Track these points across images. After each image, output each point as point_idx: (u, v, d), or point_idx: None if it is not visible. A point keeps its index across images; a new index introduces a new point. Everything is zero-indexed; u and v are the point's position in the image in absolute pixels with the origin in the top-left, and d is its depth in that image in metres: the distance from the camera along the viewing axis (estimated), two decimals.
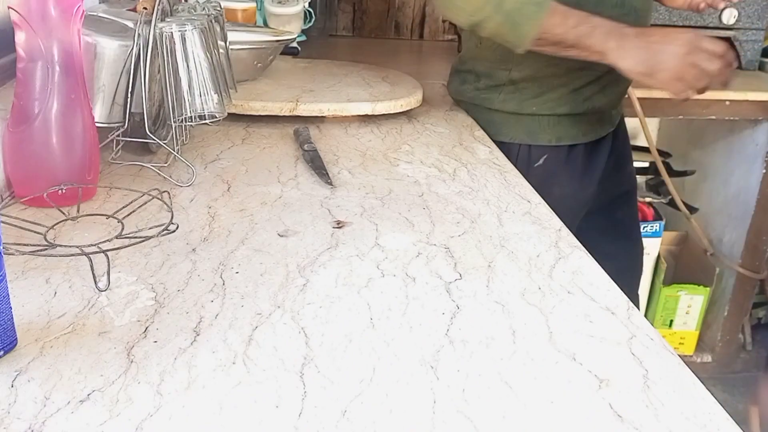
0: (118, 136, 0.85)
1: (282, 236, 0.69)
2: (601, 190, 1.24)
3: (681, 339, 1.96)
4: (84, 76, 0.72)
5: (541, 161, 1.15)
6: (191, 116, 0.81)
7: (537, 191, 1.13)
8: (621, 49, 0.96)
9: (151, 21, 0.79)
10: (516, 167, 1.09)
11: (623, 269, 1.28)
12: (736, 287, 1.85)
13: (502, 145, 1.13)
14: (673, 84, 0.97)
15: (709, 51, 0.95)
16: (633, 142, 1.39)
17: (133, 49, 0.79)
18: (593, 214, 1.26)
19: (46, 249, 0.63)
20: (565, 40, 0.97)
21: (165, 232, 0.67)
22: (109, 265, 0.59)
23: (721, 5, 1.15)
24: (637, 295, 1.45)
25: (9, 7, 0.67)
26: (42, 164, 0.71)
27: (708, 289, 1.90)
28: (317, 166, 0.88)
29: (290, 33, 1.33)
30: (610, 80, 1.11)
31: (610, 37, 0.96)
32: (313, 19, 1.90)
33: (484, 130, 1.16)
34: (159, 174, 0.82)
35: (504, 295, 0.60)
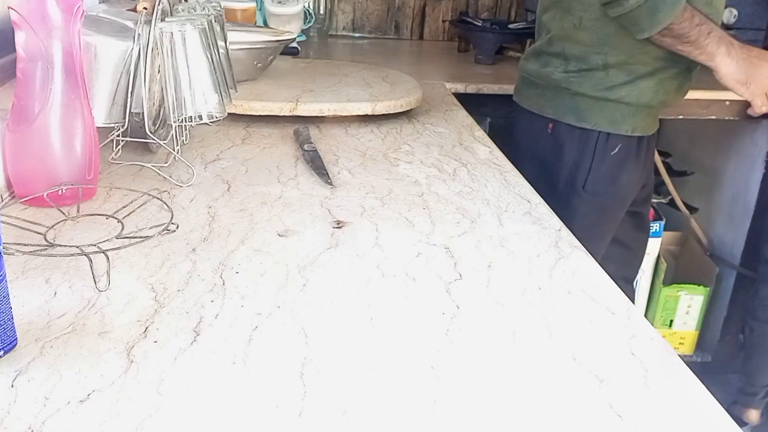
0: (118, 136, 0.85)
1: (282, 236, 0.69)
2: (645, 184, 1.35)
3: (681, 339, 1.96)
4: (84, 76, 0.72)
5: (616, 150, 1.21)
6: (191, 116, 0.81)
7: (606, 177, 1.23)
8: (728, 55, 1.10)
9: (151, 21, 0.79)
10: (594, 154, 1.21)
11: (631, 258, 1.48)
12: (736, 287, 1.85)
13: (582, 132, 1.21)
14: (759, 97, 1.15)
15: None
16: None
17: (133, 49, 0.79)
18: (632, 206, 1.36)
19: (46, 249, 0.63)
20: (688, 35, 1.09)
21: (165, 232, 0.67)
22: (109, 265, 0.59)
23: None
24: (633, 285, 1.58)
25: (9, 7, 0.67)
26: (42, 164, 0.71)
27: (708, 289, 1.90)
28: (317, 166, 0.89)
29: (290, 33, 1.33)
30: (686, 78, 1.19)
31: (722, 42, 1.10)
32: (313, 19, 1.90)
33: (559, 117, 1.23)
34: (159, 174, 0.82)
35: (504, 295, 0.60)
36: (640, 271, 1.82)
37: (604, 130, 1.20)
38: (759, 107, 1.17)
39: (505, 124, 1.37)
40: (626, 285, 1.48)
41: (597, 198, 1.23)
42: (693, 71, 1.19)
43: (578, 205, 1.22)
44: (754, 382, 1.77)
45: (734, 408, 1.78)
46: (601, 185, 1.23)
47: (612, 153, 1.21)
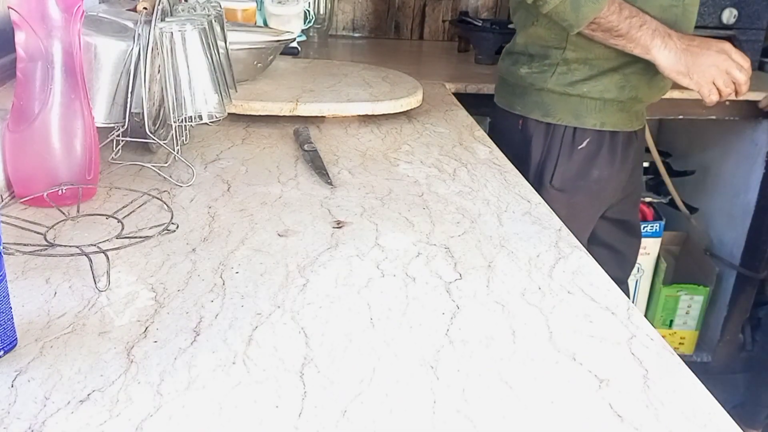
0: (118, 136, 0.85)
1: (282, 236, 0.69)
2: (627, 185, 1.32)
3: (681, 339, 1.96)
4: (84, 76, 0.72)
5: (584, 144, 1.21)
6: (191, 116, 0.81)
7: (575, 172, 1.23)
8: (665, 47, 1.08)
9: (151, 21, 0.79)
10: (560, 149, 1.20)
11: (622, 261, 1.44)
12: (736, 287, 1.85)
13: (548, 127, 1.23)
14: (705, 86, 1.10)
15: (738, 62, 1.09)
16: None
17: (133, 49, 0.79)
18: (614, 207, 1.34)
19: (46, 249, 0.63)
20: (617, 28, 1.08)
21: (165, 232, 0.67)
22: (109, 265, 0.59)
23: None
24: (627, 284, 1.54)
25: (9, 7, 0.67)
26: (42, 164, 0.71)
27: (708, 289, 1.90)
28: (317, 166, 0.89)
29: (290, 33, 1.33)
30: (657, 73, 1.16)
31: (656, 34, 1.08)
32: (313, 19, 1.90)
33: (527, 113, 1.24)
34: (159, 174, 0.82)
35: (504, 295, 0.60)
36: (640, 270, 1.82)
37: (570, 125, 1.21)
38: (707, 97, 1.11)
39: (505, 133, 1.38)
40: (619, 286, 1.46)
41: (565, 194, 1.22)
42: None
43: (547, 201, 1.22)
44: (759, 401, 1.72)
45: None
46: (570, 180, 1.22)
47: (579, 147, 1.21)
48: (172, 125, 0.82)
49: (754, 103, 1.65)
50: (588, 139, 1.21)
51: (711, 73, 1.09)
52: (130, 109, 0.81)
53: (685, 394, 0.48)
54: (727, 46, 1.09)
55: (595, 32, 1.10)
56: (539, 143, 1.24)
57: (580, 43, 1.15)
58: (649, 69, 1.15)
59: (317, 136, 1.03)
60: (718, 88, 1.11)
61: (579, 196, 1.24)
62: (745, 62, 1.10)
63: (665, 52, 1.08)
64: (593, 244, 1.33)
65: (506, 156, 1.00)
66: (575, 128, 1.21)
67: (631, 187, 1.35)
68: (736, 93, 1.12)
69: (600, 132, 1.21)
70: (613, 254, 1.41)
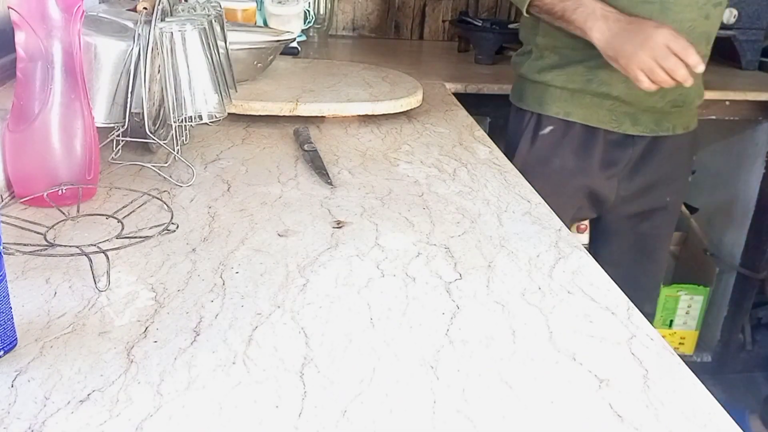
0: (118, 136, 0.85)
1: (282, 236, 0.69)
2: (625, 198, 1.26)
3: (681, 339, 1.96)
4: (84, 76, 0.72)
5: (547, 131, 1.22)
6: (191, 116, 0.81)
7: (537, 158, 1.22)
8: (598, 30, 1.05)
9: (151, 21, 0.79)
10: (524, 134, 1.23)
11: (639, 287, 1.23)
12: (736, 287, 1.85)
13: (518, 111, 1.27)
14: (631, 72, 1.03)
15: (668, 47, 1.00)
16: None
17: (133, 49, 0.79)
18: (617, 223, 1.29)
19: (46, 249, 0.63)
20: (553, 11, 1.09)
21: (165, 232, 0.67)
22: (109, 265, 0.59)
23: None
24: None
25: (9, 7, 0.67)
26: (42, 164, 0.71)
27: (708, 289, 1.90)
28: (317, 166, 0.88)
29: (290, 33, 1.33)
30: None
31: (591, 17, 1.05)
32: (313, 19, 1.90)
33: (511, 98, 1.29)
34: (159, 174, 0.82)
35: (504, 295, 0.60)
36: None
37: (536, 111, 1.24)
38: (641, 83, 1.03)
39: (505, 124, 1.38)
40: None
41: (528, 179, 1.19)
42: None
43: None
44: None
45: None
46: (531, 166, 1.20)
47: (542, 132, 1.22)
48: (172, 125, 0.82)
49: (754, 103, 1.65)
50: (551, 127, 1.22)
51: (639, 58, 1.01)
52: (130, 109, 0.81)
53: (685, 394, 0.48)
54: (665, 30, 1.01)
55: (541, 14, 1.13)
56: (512, 127, 1.29)
57: (547, 29, 1.17)
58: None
59: (317, 136, 1.03)
60: (647, 74, 1.03)
61: (541, 184, 1.18)
62: (677, 47, 1.00)
63: (597, 35, 1.05)
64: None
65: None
66: (540, 114, 1.23)
67: (648, 203, 1.27)
68: (680, 81, 1.02)
69: (566, 122, 1.21)
70: (623, 282, 1.25)
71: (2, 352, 0.47)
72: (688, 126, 1.25)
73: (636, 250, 1.33)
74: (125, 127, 0.83)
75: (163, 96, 0.82)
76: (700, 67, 1.00)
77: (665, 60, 1.00)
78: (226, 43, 0.94)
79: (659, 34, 1.00)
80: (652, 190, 1.28)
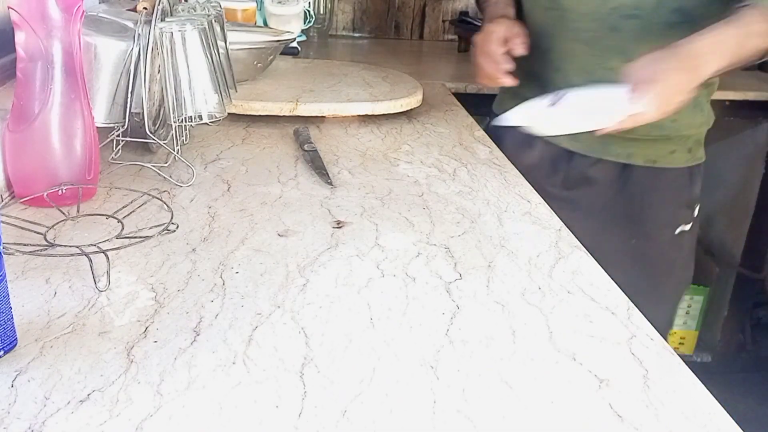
0: (118, 136, 0.85)
1: (282, 236, 0.69)
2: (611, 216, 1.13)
3: (681, 339, 1.96)
4: (84, 76, 0.72)
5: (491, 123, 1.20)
6: (191, 116, 0.81)
7: (509, 152, 1.11)
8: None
9: (151, 21, 0.79)
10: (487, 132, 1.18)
11: (648, 300, 1.06)
12: (736, 287, 1.85)
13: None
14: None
15: (476, 42, 1.02)
16: None
17: (133, 49, 0.79)
18: (608, 233, 1.12)
19: (46, 249, 0.63)
20: (483, 7, 1.15)
21: (165, 232, 0.67)
22: (109, 265, 0.59)
23: None
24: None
25: (9, 7, 0.67)
26: (42, 164, 0.71)
27: (708, 289, 1.90)
28: (317, 166, 0.89)
29: (290, 33, 1.33)
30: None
31: (486, 15, 1.10)
32: (313, 19, 1.90)
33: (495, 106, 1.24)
34: (159, 174, 0.82)
35: (504, 295, 0.60)
36: None
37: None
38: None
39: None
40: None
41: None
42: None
43: None
44: None
45: None
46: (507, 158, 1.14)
47: (490, 123, 1.18)
48: (172, 125, 0.82)
49: (755, 103, 1.65)
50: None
51: (474, 54, 1.03)
52: (130, 109, 0.81)
53: (685, 394, 0.48)
54: (490, 25, 1.02)
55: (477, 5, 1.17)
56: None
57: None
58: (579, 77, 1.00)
59: (317, 136, 1.03)
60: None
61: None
62: (478, 40, 1.01)
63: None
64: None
65: None
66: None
67: (638, 225, 1.16)
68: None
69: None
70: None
71: (2, 352, 0.47)
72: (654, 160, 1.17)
73: (633, 259, 1.19)
74: (125, 127, 0.83)
75: (163, 96, 0.82)
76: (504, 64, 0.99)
77: (474, 55, 1.02)
78: (226, 43, 0.94)
79: (488, 28, 1.02)
80: (646, 213, 1.19)
